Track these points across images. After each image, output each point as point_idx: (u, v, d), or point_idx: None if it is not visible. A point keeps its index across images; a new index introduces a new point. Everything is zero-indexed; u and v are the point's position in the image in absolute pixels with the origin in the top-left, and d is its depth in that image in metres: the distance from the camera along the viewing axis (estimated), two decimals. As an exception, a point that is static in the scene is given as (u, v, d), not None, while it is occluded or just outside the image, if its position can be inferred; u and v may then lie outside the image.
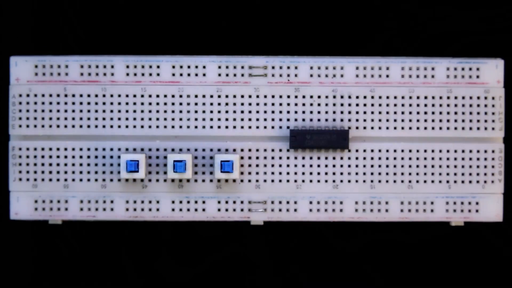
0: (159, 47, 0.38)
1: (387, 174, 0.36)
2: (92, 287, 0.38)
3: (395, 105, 0.36)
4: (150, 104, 0.35)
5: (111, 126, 0.35)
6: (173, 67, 0.36)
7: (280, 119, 0.36)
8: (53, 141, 0.35)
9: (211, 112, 0.36)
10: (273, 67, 0.36)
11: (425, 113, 0.36)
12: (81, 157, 0.35)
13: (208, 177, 0.36)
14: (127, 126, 0.35)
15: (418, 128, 0.36)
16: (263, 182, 0.36)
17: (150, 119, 0.35)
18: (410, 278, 0.38)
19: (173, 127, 0.35)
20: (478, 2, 0.39)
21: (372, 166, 0.36)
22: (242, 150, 0.36)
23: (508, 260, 0.38)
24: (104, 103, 0.35)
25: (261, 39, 0.38)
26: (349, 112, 0.36)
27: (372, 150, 0.36)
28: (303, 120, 0.36)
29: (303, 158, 0.36)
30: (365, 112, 0.36)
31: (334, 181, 0.36)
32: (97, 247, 0.38)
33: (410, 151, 0.36)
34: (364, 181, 0.36)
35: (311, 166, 0.36)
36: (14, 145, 0.35)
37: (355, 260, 0.38)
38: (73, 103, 0.35)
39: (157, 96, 0.35)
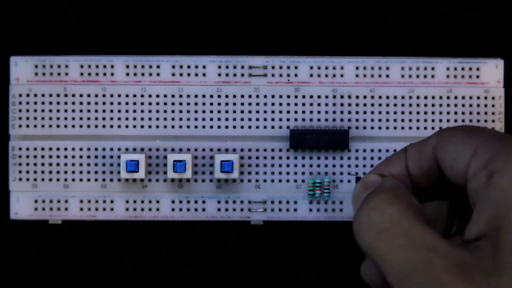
0: (159, 47, 0.38)
1: (387, 174, 0.36)
2: (92, 287, 0.38)
3: (395, 105, 0.36)
4: (150, 104, 0.35)
5: (111, 126, 0.35)
6: (173, 67, 0.36)
7: (280, 119, 0.36)
8: (53, 141, 0.35)
9: (211, 112, 0.36)
10: (273, 67, 0.36)
11: (425, 113, 0.36)
12: (81, 157, 0.35)
13: (208, 177, 0.36)
14: (127, 126, 0.35)
15: (418, 128, 0.36)
16: (263, 182, 0.36)
17: (150, 119, 0.35)
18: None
19: (173, 127, 0.35)
20: (478, 2, 0.39)
21: (372, 166, 0.36)
22: (242, 150, 0.36)
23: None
24: (104, 103, 0.35)
25: (261, 39, 0.38)
26: (349, 112, 0.36)
27: (372, 150, 0.36)
28: (303, 120, 0.36)
29: (303, 158, 0.36)
30: (365, 112, 0.36)
31: (334, 181, 0.36)
32: (97, 247, 0.38)
33: (410, 151, 0.36)
34: (364, 181, 0.36)
35: (311, 166, 0.36)
36: (14, 145, 0.35)
37: (354, 260, 0.38)
38: (73, 103, 0.35)
39: (157, 96, 0.35)
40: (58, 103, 0.35)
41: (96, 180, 0.35)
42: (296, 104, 0.36)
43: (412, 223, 0.26)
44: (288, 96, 0.36)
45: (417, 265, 0.25)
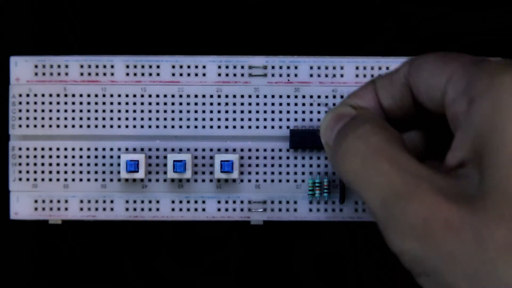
0: (159, 47, 0.38)
1: (387, 174, 0.36)
2: (92, 287, 0.38)
3: (395, 105, 0.36)
4: (150, 104, 0.35)
5: (111, 126, 0.35)
6: (173, 67, 0.36)
7: (280, 119, 0.36)
8: (53, 141, 0.35)
9: (211, 112, 0.36)
10: (273, 67, 0.36)
11: (425, 113, 0.36)
12: (81, 157, 0.35)
13: (208, 177, 0.36)
14: (127, 126, 0.35)
15: (418, 128, 0.36)
16: (263, 182, 0.36)
17: (150, 119, 0.35)
18: (410, 278, 0.38)
19: (173, 127, 0.35)
20: (478, 2, 0.39)
21: (372, 166, 0.36)
22: (242, 150, 0.36)
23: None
24: (104, 103, 0.35)
25: (261, 39, 0.38)
26: (349, 112, 0.36)
27: (372, 150, 0.36)
28: (303, 120, 0.36)
29: (303, 158, 0.36)
30: (365, 112, 0.36)
31: (334, 181, 0.36)
32: (97, 247, 0.38)
33: (410, 151, 0.36)
34: (364, 181, 0.36)
35: (311, 166, 0.36)
36: (14, 145, 0.35)
37: (354, 260, 0.38)
38: (73, 103, 0.35)
39: (157, 96, 0.35)
40: (58, 103, 0.35)
41: (96, 180, 0.35)
42: (296, 104, 0.36)
43: (397, 151, 0.26)
44: (288, 96, 0.36)
45: (401, 188, 0.25)
